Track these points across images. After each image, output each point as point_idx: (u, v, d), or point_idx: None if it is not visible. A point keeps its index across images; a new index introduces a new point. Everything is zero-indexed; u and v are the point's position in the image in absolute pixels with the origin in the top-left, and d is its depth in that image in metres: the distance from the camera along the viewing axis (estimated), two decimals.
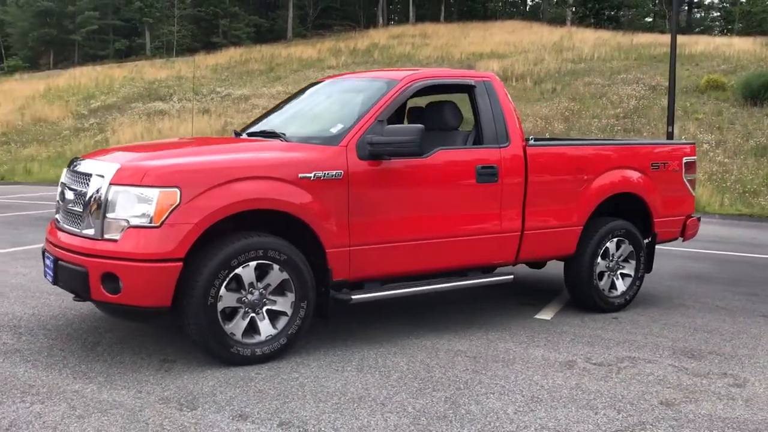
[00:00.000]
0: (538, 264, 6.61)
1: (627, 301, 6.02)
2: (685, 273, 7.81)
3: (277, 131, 5.07)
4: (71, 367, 4.23)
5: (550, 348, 4.88)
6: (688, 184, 6.40)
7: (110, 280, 4.06)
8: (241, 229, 4.37)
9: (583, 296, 5.88)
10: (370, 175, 4.68)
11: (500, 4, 70.88)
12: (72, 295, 4.49)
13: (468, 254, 5.17)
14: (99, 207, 4.16)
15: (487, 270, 5.44)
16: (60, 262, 4.35)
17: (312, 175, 4.45)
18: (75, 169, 4.62)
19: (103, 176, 4.22)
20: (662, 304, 6.27)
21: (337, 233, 4.56)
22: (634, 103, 26.89)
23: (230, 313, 4.30)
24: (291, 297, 4.44)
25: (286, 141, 4.86)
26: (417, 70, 5.33)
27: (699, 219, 6.67)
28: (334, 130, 4.78)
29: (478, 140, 5.28)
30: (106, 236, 4.12)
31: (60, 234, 4.52)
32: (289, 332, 4.44)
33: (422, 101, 5.98)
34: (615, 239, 5.89)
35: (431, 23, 52.65)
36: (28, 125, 31.74)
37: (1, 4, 57.39)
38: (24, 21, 51.98)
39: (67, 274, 4.27)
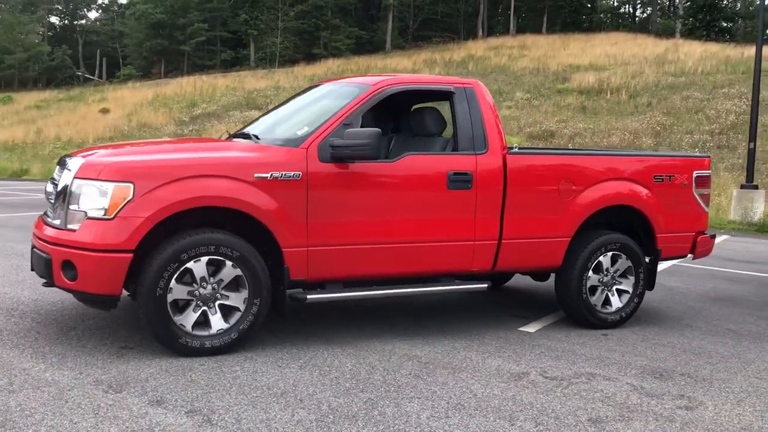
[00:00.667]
0: (542, 276, 6.47)
1: (623, 318, 5.78)
2: (715, 294, 7.40)
3: (253, 133, 5.24)
4: (35, 348, 4.52)
5: (511, 360, 4.77)
6: (699, 199, 6.07)
7: (69, 267, 4.32)
8: (207, 227, 4.56)
9: (573, 311, 5.70)
10: (332, 178, 4.75)
11: (608, 15, 68.99)
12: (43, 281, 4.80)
13: (438, 260, 5.14)
14: (65, 199, 4.45)
15: (464, 277, 5.38)
16: (34, 249, 4.68)
17: (269, 175, 4.57)
18: (60, 164, 4.94)
19: (70, 170, 4.51)
20: (666, 324, 5.98)
21: (295, 233, 4.65)
22: (733, 118, 25.60)
23: (183, 306, 4.47)
24: (244, 293, 4.57)
25: (257, 142, 5.01)
26: (396, 76, 5.37)
27: (713, 236, 6.30)
28: (299, 133, 4.89)
29: (456, 147, 5.25)
30: (69, 226, 4.40)
31: (44, 225, 4.85)
32: (241, 327, 4.57)
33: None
34: (609, 253, 5.67)
35: (531, 35, 52.00)
36: (133, 130, 33.75)
37: (120, 17, 61.32)
38: (139, 32, 55.43)
39: (37, 261, 4.59)
